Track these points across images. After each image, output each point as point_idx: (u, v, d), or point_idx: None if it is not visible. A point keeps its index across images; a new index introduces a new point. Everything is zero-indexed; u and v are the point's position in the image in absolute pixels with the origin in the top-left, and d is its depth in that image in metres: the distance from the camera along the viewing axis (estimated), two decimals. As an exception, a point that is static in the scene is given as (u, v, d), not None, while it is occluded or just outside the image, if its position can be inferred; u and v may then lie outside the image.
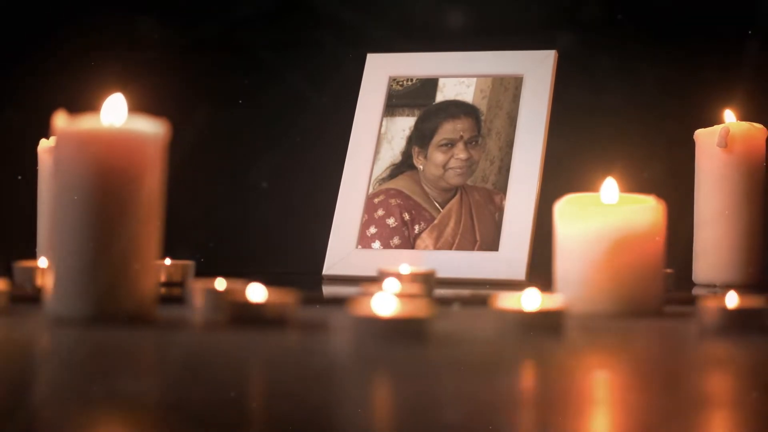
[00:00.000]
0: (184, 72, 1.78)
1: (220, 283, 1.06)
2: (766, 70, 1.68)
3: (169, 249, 1.17)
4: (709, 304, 0.97)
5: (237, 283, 1.05)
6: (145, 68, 1.71)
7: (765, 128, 1.49)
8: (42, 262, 1.21)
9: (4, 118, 1.75)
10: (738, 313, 0.96)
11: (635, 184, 1.25)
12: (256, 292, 0.97)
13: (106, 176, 0.93)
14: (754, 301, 0.97)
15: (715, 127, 1.48)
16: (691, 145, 1.50)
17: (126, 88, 1.01)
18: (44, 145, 1.39)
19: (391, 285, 1.10)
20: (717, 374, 0.82)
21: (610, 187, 1.10)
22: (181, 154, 1.65)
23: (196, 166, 1.72)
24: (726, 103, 1.53)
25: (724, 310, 0.96)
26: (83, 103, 1.01)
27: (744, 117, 1.51)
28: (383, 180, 1.57)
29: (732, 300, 0.97)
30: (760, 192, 1.47)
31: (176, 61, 1.77)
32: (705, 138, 1.48)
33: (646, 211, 1.08)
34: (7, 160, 1.71)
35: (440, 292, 1.30)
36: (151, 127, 0.95)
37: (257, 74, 1.79)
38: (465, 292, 1.34)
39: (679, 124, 1.60)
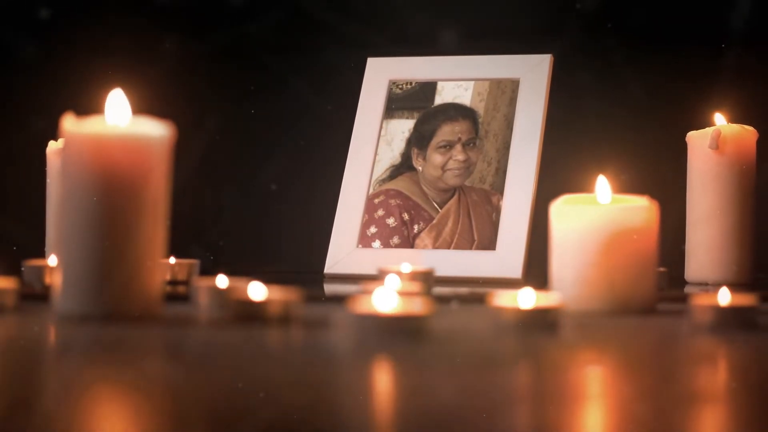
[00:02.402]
0: (196, 79, 1.78)
1: (222, 281, 1.06)
2: (755, 74, 1.68)
3: (183, 247, 1.17)
4: (702, 302, 0.97)
5: (239, 281, 1.05)
6: (157, 75, 1.72)
7: (755, 130, 1.49)
8: (51, 260, 1.21)
9: (16, 120, 1.75)
10: (730, 310, 0.96)
11: (628, 184, 1.25)
12: (259, 290, 0.96)
13: (112, 177, 0.93)
14: (746, 299, 0.97)
15: (707, 129, 1.48)
16: (683, 148, 1.50)
17: (137, 93, 1.01)
18: (53, 146, 1.39)
19: (390, 283, 1.10)
20: (709, 370, 0.82)
21: (602, 184, 1.10)
22: (193, 159, 1.67)
23: (207, 170, 1.74)
24: (717, 106, 1.53)
25: (717, 308, 0.96)
26: (94, 108, 1.01)
27: (734, 119, 1.51)
28: (383, 181, 1.57)
29: (724, 297, 0.97)
30: (750, 192, 1.47)
31: (188, 69, 1.78)
32: (697, 140, 1.48)
33: (639, 210, 1.08)
34: (17, 161, 1.71)
35: (439, 290, 1.29)
36: (157, 129, 0.95)
37: (263, 81, 1.79)
38: (463, 290, 1.34)
39: (670, 126, 1.59)
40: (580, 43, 1.70)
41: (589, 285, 1.07)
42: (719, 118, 1.50)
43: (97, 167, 0.93)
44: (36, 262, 1.21)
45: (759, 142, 1.49)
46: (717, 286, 1.30)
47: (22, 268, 1.20)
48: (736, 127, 1.48)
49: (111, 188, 0.93)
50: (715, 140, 1.45)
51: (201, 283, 1.07)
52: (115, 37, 1.73)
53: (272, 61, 1.78)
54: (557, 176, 1.53)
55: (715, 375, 0.80)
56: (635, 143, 1.69)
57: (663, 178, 1.62)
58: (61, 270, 0.94)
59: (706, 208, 1.46)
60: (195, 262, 1.30)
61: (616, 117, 1.71)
